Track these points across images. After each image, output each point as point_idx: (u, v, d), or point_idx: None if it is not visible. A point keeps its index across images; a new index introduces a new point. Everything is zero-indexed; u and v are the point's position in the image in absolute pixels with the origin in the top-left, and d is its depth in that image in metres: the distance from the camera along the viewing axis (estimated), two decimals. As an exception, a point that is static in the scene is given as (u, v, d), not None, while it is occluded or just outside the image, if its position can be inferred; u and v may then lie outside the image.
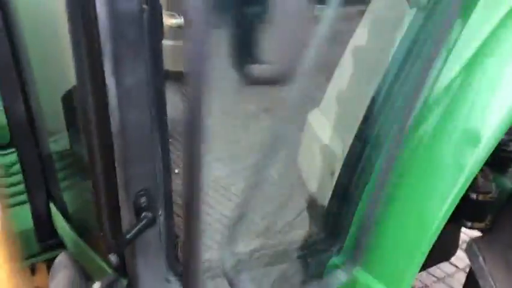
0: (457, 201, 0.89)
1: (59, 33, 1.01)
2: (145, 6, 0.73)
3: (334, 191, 1.02)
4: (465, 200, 1.68)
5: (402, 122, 0.90)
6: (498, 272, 1.05)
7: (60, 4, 0.88)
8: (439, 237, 1.37)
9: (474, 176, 0.89)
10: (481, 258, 1.08)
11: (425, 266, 1.75)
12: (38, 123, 1.14)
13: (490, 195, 1.60)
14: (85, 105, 0.80)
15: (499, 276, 1.05)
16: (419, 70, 0.90)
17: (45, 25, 1.04)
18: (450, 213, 0.89)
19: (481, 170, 1.71)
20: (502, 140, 1.50)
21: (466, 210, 1.64)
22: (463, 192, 0.88)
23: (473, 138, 0.89)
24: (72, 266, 1.03)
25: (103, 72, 0.76)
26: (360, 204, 0.98)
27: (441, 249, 1.69)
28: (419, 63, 0.92)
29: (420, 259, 0.91)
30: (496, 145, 0.88)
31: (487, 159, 1.74)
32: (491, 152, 0.88)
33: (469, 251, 1.11)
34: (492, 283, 1.04)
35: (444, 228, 1.15)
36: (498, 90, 0.90)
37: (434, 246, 1.54)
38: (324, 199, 1.03)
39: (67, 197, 1.14)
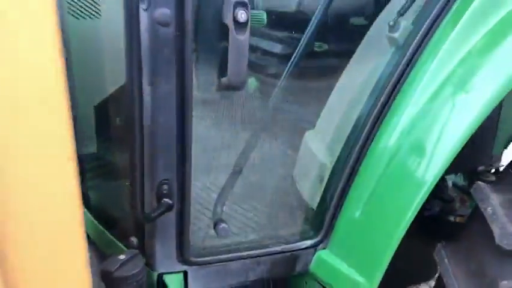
0: (424, 199, 1.09)
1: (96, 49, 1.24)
2: (178, 33, 0.95)
3: (323, 194, 1.23)
4: (443, 222, 1.87)
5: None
6: (460, 273, 1.23)
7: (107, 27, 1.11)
8: (419, 258, 1.55)
9: (435, 179, 1.09)
10: (446, 261, 1.26)
11: (406, 286, 1.92)
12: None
13: (465, 217, 1.80)
14: (126, 109, 1.01)
15: (461, 277, 1.22)
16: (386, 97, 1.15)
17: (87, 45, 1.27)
18: (418, 208, 1.09)
19: (459, 197, 1.91)
20: (479, 169, 1.71)
21: (444, 231, 1.83)
22: (429, 192, 1.08)
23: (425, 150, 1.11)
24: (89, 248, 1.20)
25: (141, 83, 0.97)
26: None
27: (422, 269, 1.86)
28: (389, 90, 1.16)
29: (392, 250, 1.09)
30: (450, 160, 1.09)
31: (466, 187, 1.93)
32: (448, 163, 1.09)
33: (437, 254, 1.29)
34: (455, 283, 1.22)
35: (424, 248, 1.34)
36: (453, 115, 1.12)
37: (414, 266, 1.72)
38: (313, 200, 1.24)
39: (88, 185, 1.32)
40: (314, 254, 1.24)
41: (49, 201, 0.77)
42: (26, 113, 0.71)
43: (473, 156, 1.48)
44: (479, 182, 1.27)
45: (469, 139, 1.08)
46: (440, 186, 1.75)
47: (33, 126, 0.72)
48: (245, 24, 0.96)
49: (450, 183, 1.99)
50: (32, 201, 0.75)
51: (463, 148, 1.09)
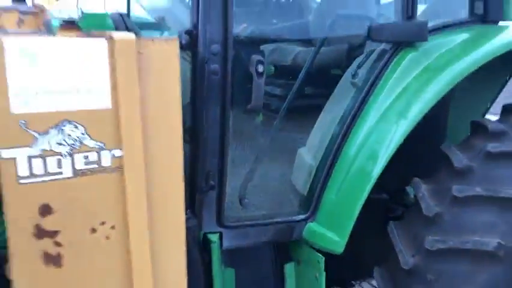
0: (372, 185, 1.71)
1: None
2: (222, 78, 1.60)
3: (311, 185, 1.87)
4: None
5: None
6: (404, 239, 1.82)
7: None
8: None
9: (379, 172, 1.72)
10: (395, 232, 1.86)
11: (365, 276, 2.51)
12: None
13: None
14: (189, 123, 1.64)
15: (404, 242, 1.82)
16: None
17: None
18: (369, 190, 1.71)
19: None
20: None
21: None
22: (376, 179, 1.71)
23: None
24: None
25: (198, 106, 1.61)
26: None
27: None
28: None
29: (359, 203, 1.71)
30: (387, 161, 1.73)
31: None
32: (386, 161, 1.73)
33: (389, 230, 1.89)
34: (400, 245, 1.81)
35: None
36: (390, 134, 1.78)
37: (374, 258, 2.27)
38: (305, 189, 1.88)
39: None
40: (305, 225, 1.85)
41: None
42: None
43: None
44: (416, 178, 1.90)
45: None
46: (402, 195, 2.37)
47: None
48: (262, 73, 1.62)
49: (411, 193, 2.59)
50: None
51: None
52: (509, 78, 2.49)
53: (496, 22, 2.16)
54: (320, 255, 1.81)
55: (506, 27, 2.17)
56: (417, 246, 1.76)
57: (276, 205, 1.97)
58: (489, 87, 2.41)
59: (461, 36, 2.04)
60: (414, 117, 1.76)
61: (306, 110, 2.12)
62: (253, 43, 1.92)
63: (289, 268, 1.95)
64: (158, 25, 2.15)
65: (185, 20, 1.84)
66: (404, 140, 1.77)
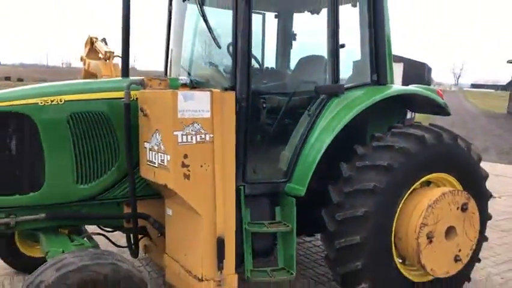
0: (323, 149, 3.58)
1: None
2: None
3: (288, 164, 3.72)
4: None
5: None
6: (336, 192, 3.66)
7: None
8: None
9: (321, 153, 3.59)
10: (331, 189, 3.70)
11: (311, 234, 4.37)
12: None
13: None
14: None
15: (336, 193, 3.65)
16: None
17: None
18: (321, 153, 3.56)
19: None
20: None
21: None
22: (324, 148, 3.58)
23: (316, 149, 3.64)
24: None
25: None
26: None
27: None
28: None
29: (311, 169, 3.55)
30: (324, 149, 3.61)
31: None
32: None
33: (329, 188, 3.72)
34: (334, 195, 3.65)
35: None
36: (325, 137, 3.67)
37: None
38: (285, 166, 3.73)
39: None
40: (286, 184, 3.68)
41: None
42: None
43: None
44: (342, 162, 3.76)
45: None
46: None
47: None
48: (265, 108, 3.52)
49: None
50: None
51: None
52: (407, 112, 4.51)
53: (384, 84, 4.14)
54: (293, 198, 3.63)
55: (390, 86, 4.15)
56: (340, 191, 3.59)
57: (272, 175, 3.80)
58: (391, 118, 4.34)
59: (363, 90, 4.00)
60: (337, 129, 3.65)
61: (286, 127, 3.99)
62: (259, 93, 3.80)
63: (277, 208, 3.75)
64: (203, 84, 3.99)
65: (221, 82, 3.75)
66: (338, 145, 3.64)
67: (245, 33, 3.45)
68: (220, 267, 3.12)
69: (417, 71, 51.75)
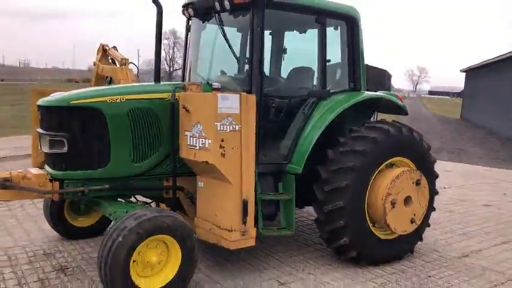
0: (315, 138, 4.80)
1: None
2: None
3: (288, 150, 4.93)
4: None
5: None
6: (324, 172, 4.88)
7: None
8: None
9: (314, 141, 4.81)
10: (320, 169, 4.91)
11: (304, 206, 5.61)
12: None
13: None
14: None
15: (324, 172, 4.88)
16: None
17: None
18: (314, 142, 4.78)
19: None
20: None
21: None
22: (316, 137, 4.80)
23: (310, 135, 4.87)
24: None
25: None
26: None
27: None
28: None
29: (306, 152, 4.76)
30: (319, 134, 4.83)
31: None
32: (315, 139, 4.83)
33: (318, 168, 4.93)
34: (322, 173, 4.87)
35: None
36: (315, 130, 4.90)
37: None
38: (286, 152, 4.93)
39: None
40: (287, 164, 4.88)
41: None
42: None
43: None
44: (328, 148, 4.99)
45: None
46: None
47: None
48: (274, 107, 4.72)
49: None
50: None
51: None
52: (374, 112, 5.79)
53: (359, 90, 5.41)
54: (293, 175, 4.82)
55: (363, 92, 5.42)
56: (327, 170, 4.81)
57: (276, 158, 4.98)
58: (362, 115, 5.60)
59: (344, 95, 5.25)
60: (324, 124, 4.89)
61: (286, 123, 5.17)
62: (267, 96, 4.96)
63: (280, 184, 4.93)
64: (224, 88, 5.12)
65: (235, 87, 4.91)
66: (325, 136, 4.86)
67: (258, 49, 4.62)
68: (244, 222, 4.27)
69: (378, 78, 54.28)
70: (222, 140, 4.12)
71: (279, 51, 6.23)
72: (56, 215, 5.30)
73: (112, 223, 3.95)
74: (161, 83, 5.04)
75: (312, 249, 5.50)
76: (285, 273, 4.76)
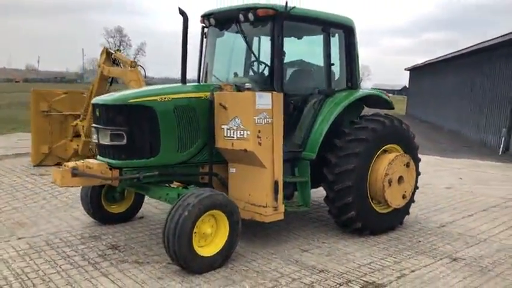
0: (323, 134, 5.72)
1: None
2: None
3: (302, 140, 5.83)
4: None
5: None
6: (333, 157, 5.82)
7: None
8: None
9: (327, 128, 5.74)
10: (328, 155, 5.84)
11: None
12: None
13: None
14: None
15: (333, 156, 5.82)
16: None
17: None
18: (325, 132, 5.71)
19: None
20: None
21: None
22: (326, 129, 5.73)
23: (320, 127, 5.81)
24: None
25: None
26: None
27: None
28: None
29: (319, 141, 5.68)
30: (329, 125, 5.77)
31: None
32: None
33: (327, 155, 5.86)
34: (331, 157, 5.80)
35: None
36: (325, 123, 5.84)
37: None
38: (301, 142, 5.83)
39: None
40: (302, 152, 5.78)
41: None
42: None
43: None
44: (335, 139, 5.93)
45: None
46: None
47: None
48: (292, 104, 5.60)
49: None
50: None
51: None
52: (363, 108, 6.78)
53: (356, 88, 6.39)
54: (307, 161, 5.72)
55: (359, 90, 6.41)
56: (336, 156, 5.76)
57: (293, 146, 5.84)
58: (355, 109, 6.56)
59: (345, 93, 6.20)
60: (332, 117, 5.83)
61: (299, 116, 6.05)
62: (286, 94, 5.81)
63: (296, 169, 5.81)
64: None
65: (254, 87, 5.74)
66: (331, 130, 5.79)
67: (279, 54, 5.48)
68: (276, 198, 5.12)
69: None
70: (259, 131, 4.95)
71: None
72: (95, 203, 5.92)
73: (176, 201, 4.64)
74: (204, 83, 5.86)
75: (319, 224, 6.44)
76: (304, 243, 5.67)
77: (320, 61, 6.24)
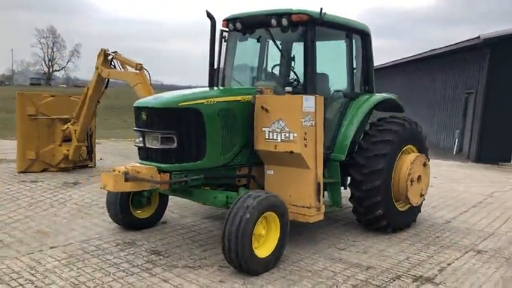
0: (351, 136, 5.93)
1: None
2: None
3: (332, 140, 6.01)
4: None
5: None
6: (361, 158, 6.04)
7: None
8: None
9: (353, 135, 5.95)
10: (355, 155, 6.06)
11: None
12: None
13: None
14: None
15: (360, 156, 6.04)
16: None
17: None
18: (353, 134, 5.92)
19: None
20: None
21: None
22: (354, 131, 5.94)
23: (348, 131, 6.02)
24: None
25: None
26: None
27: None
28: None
29: (347, 143, 5.89)
30: (355, 131, 5.99)
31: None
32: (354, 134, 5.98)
33: (354, 155, 6.07)
34: (358, 158, 6.03)
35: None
36: (352, 125, 6.06)
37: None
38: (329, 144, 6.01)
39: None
40: (330, 154, 5.95)
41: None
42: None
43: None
44: (360, 139, 6.16)
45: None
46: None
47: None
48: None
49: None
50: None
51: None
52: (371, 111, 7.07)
53: (372, 92, 6.66)
54: (337, 162, 5.91)
55: (376, 94, 6.68)
56: (363, 156, 5.99)
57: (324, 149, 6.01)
58: (370, 113, 6.81)
59: (366, 96, 6.45)
60: (359, 119, 6.07)
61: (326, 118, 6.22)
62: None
63: (326, 170, 5.97)
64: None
65: (280, 90, 5.86)
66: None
67: (312, 58, 5.63)
68: (318, 199, 5.26)
69: None
70: (305, 133, 5.07)
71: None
72: (124, 208, 5.77)
73: (232, 204, 4.63)
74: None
75: (339, 224, 6.65)
76: (336, 242, 5.84)
77: (335, 65, 6.47)
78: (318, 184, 5.25)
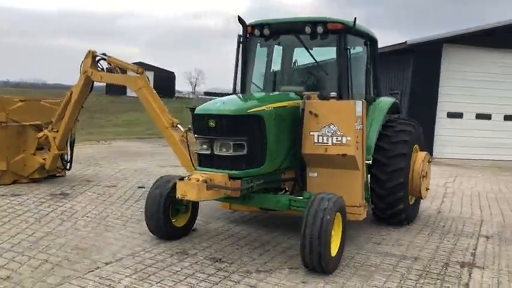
0: (375, 138, 6.35)
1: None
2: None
3: None
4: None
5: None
6: (382, 157, 6.48)
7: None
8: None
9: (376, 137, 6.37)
10: (377, 154, 6.49)
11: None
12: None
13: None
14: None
15: (382, 155, 6.48)
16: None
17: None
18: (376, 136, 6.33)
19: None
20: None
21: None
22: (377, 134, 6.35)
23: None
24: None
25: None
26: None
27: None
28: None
29: (372, 146, 6.29)
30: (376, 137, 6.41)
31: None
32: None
33: (375, 155, 6.49)
34: (380, 157, 6.46)
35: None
36: (375, 127, 6.48)
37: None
38: None
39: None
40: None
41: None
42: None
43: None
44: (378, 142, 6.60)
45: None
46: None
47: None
48: None
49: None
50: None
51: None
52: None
53: (380, 96, 7.14)
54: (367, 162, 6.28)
55: (384, 98, 7.18)
56: (386, 156, 6.44)
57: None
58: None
59: (380, 99, 6.92)
60: (380, 123, 6.51)
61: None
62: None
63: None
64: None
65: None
66: None
67: (345, 63, 5.94)
68: (366, 199, 5.59)
69: (166, 80, 55.61)
70: (357, 137, 5.37)
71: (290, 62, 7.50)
72: (166, 218, 5.60)
73: (307, 208, 4.78)
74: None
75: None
76: (368, 237, 6.23)
77: (355, 70, 6.84)
78: (366, 184, 5.58)
